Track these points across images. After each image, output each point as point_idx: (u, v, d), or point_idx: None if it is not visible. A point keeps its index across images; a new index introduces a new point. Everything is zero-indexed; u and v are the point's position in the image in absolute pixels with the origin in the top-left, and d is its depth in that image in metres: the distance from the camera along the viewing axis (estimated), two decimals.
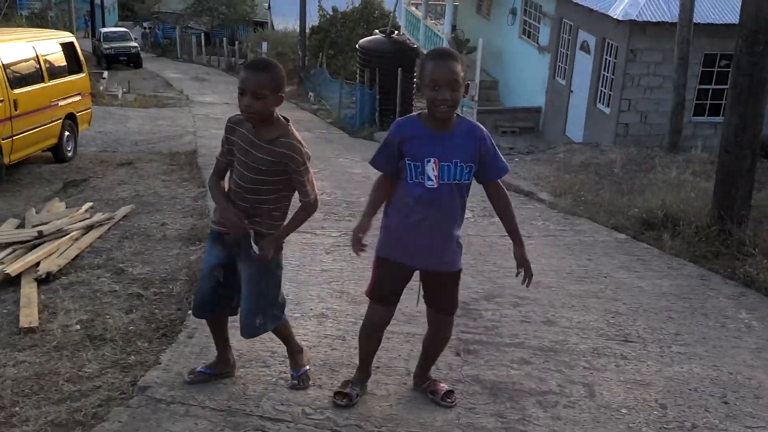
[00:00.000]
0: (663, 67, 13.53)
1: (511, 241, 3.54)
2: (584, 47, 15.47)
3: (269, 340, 3.95)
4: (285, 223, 3.51)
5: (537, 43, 17.99)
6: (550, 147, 13.87)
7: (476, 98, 14.20)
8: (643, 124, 14.02)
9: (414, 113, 3.39)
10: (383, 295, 3.48)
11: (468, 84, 3.24)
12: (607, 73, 14.51)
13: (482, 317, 4.80)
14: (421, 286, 3.52)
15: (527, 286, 3.49)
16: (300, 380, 3.70)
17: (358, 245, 3.30)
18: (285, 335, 3.74)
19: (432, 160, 3.21)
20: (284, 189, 3.45)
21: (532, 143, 15.45)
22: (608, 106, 14.43)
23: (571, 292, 5.39)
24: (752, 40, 6.54)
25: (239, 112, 3.39)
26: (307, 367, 3.78)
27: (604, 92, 14.67)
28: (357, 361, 3.70)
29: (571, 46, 16.04)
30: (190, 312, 4.56)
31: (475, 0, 23.14)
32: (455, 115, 3.27)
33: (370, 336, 3.60)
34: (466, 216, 7.65)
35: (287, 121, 3.42)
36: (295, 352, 3.76)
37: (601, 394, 3.80)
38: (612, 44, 14.27)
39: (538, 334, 4.54)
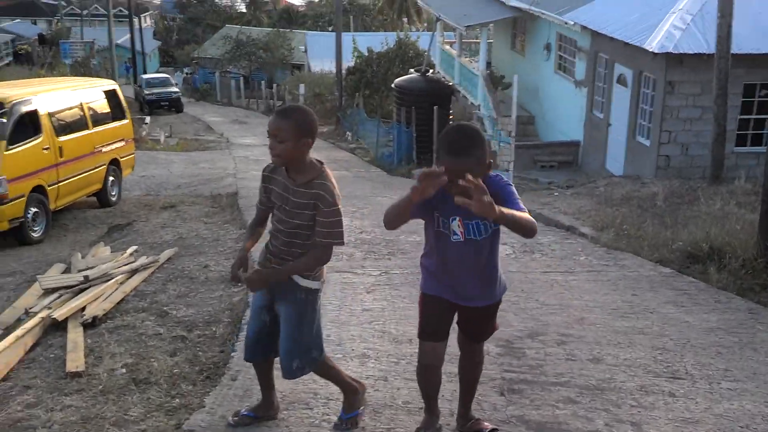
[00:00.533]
0: (702, 98, 13.39)
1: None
2: (621, 80, 15.41)
3: (312, 382, 3.95)
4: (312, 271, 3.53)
5: (573, 77, 17.97)
6: (590, 181, 13.77)
7: (514, 134, 14.18)
8: (684, 155, 13.86)
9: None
10: (431, 330, 3.47)
11: (491, 162, 3.24)
12: (646, 105, 14.42)
13: (526, 356, 4.74)
14: (457, 314, 3.54)
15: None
16: (346, 423, 3.68)
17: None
18: (330, 376, 3.73)
19: (457, 218, 3.28)
20: None
21: (571, 177, 15.35)
22: (648, 138, 14.31)
23: (616, 329, 5.31)
24: None
25: None
26: (360, 410, 3.75)
27: (643, 125, 14.56)
28: (400, 402, 3.68)
29: (608, 80, 16.00)
30: (233, 354, 4.60)
31: (509, 37, 23.26)
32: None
33: (427, 377, 3.56)
34: (507, 253, 7.66)
35: (321, 163, 3.48)
36: (347, 392, 3.74)
37: None
38: (649, 77, 14.20)
39: (584, 372, 4.47)
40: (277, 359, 3.64)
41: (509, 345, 4.90)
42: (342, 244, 3.47)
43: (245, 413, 3.72)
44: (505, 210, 3.05)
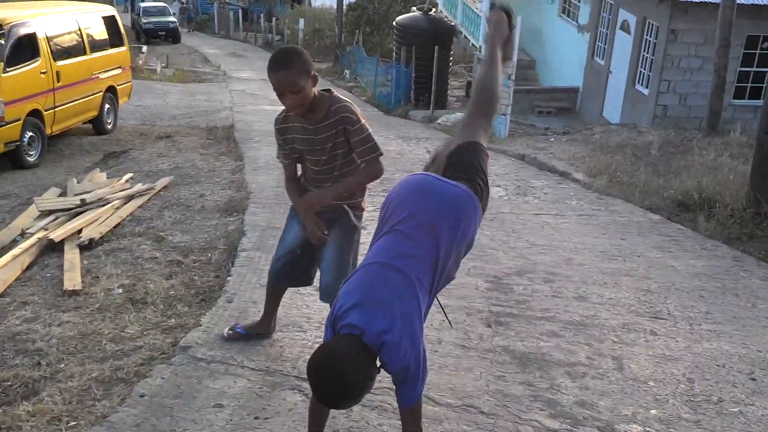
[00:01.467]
0: (704, 49, 13.33)
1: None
2: (624, 27, 15.30)
3: (305, 307, 4.06)
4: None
5: (577, 22, 17.81)
6: (586, 128, 13.78)
7: (513, 77, 14.12)
8: (682, 106, 13.86)
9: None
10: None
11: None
12: (647, 53, 14.34)
13: (513, 291, 4.86)
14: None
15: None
16: (234, 333, 3.86)
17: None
18: (279, 303, 3.90)
19: None
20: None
21: (569, 124, 15.35)
22: (647, 87, 14.28)
23: (603, 270, 5.43)
24: None
25: (281, 109, 3.47)
26: (244, 333, 3.89)
27: (644, 73, 14.51)
28: None
29: (611, 26, 15.87)
30: (229, 278, 4.70)
31: None
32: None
33: None
34: (500, 194, 7.74)
35: (329, 91, 3.43)
36: (263, 321, 3.90)
37: (629, 367, 3.85)
38: (653, 24, 14.09)
39: (569, 309, 4.60)
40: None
41: (498, 281, 5.01)
42: (381, 154, 3.40)
43: (239, 330, 3.86)
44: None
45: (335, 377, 2.28)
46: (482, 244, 5.91)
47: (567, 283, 5.08)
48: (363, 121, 3.36)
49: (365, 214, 3.62)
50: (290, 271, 3.67)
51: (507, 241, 6.01)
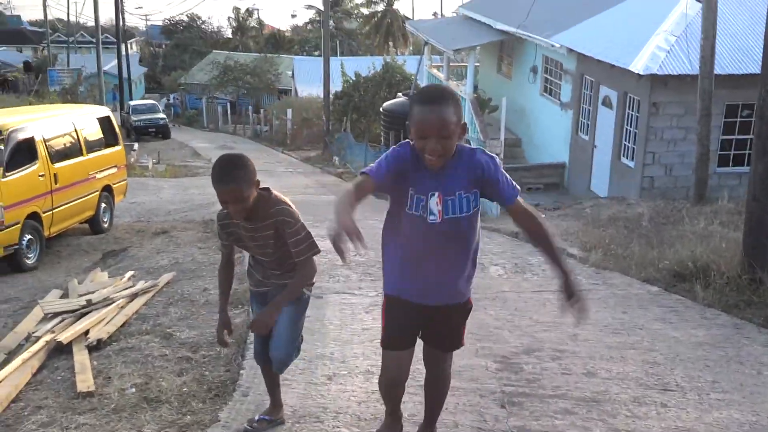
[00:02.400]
0: (686, 119, 13.71)
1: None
2: (606, 102, 15.72)
3: (320, 397, 4.10)
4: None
5: (559, 99, 18.29)
6: (576, 202, 14.01)
7: (501, 156, 14.43)
8: (668, 176, 14.16)
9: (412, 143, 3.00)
10: (396, 337, 3.19)
11: (465, 124, 2.94)
12: (630, 127, 14.71)
13: (523, 370, 4.91)
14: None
15: (580, 321, 3.19)
16: (259, 423, 3.91)
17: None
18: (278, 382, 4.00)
19: (436, 193, 2.98)
20: None
21: (558, 199, 15.60)
22: (633, 159, 14.59)
23: (609, 344, 5.50)
24: None
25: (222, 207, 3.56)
26: (270, 418, 3.95)
27: (628, 146, 14.84)
28: (406, 414, 3.80)
29: (593, 102, 16.31)
30: (242, 372, 4.74)
31: (496, 60, 23.62)
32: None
33: (389, 391, 3.36)
34: (499, 273, 7.84)
35: (267, 190, 3.57)
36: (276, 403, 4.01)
37: None
38: (634, 98, 14.51)
39: (580, 386, 4.65)
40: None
41: (506, 360, 5.07)
42: (318, 252, 3.58)
43: (261, 417, 3.94)
44: (560, 258, 3.11)
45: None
46: (487, 323, 5.99)
47: (575, 359, 5.14)
48: (300, 222, 3.53)
49: None
50: (264, 350, 3.84)
51: (511, 320, 6.09)
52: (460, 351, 5.25)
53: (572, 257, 9.04)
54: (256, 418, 3.94)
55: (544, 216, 3.17)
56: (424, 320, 3.22)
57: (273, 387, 4.00)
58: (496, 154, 10.79)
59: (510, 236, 10.74)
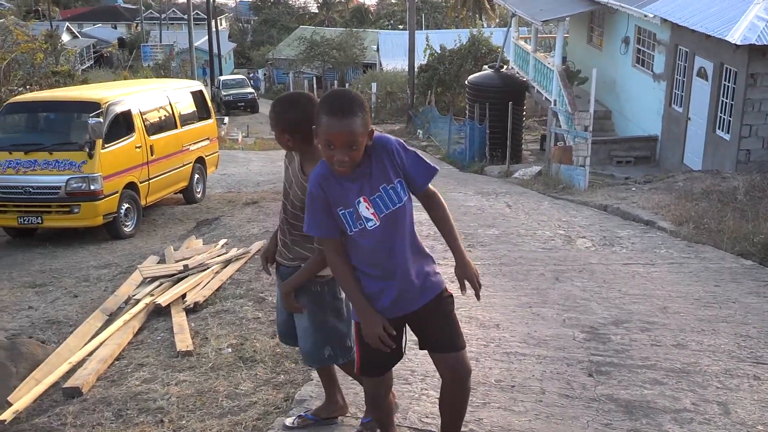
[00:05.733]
0: None
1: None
2: (701, 73, 15.20)
3: (408, 360, 4.19)
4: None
5: (651, 71, 17.77)
6: (668, 176, 13.65)
7: (590, 129, 14.15)
8: (765, 149, 13.61)
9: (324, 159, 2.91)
10: (375, 365, 3.03)
11: (372, 130, 2.84)
12: (726, 99, 14.19)
13: (611, 341, 4.88)
14: (411, 332, 3.08)
15: (478, 298, 3.07)
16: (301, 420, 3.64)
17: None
18: (334, 378, 3.67)
19: (361, 198, 2.87)
20: None
21: (649, 172, 15.21)
22: (728, 132, 14.09)
23: (700, 317, 5.40)
24: None
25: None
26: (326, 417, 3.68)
27: (724, 119, 14.34)
28: (492, 380, 3.86)
29: (688, 73, 15.79)
30: None
31: (586, 31, 23.08)
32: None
33: (377, 405, 3.19)
34: (586, 245, 7.77)
35: None
36: (330, 401, 3.69)
37: (736, 412, 3.84)
38: (731, 69, 13.97)
39: (670, 357, 4.59)
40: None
41: (594, 331, 5.05)
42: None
43: (308, 416, 3.71)
44: (459, 245, 2.97)
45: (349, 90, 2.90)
46: (574, 295, 5.96)
47: (664, 331, 5.08)
48: None
49: None
50: (289, 331, 3.54)
51: (599, 292, 6.04)
52: (546, 320, 5.29)
53: (663, 231, 8.87)
54: (303, 414, 3.73)
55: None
56: (401, 335, 3.03)
57: (328, 382, 3.68)
58: (585, 127, 10.59)
59: (598, 209, 10.58)
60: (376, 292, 2.92)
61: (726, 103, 14.23)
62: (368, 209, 2.86)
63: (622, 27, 19.54)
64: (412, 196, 2.96)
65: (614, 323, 5.25)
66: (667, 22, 16.00)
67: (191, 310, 6.06)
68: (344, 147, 2.74)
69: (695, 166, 14.89)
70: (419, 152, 2.98)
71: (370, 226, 2.87)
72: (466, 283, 2.99)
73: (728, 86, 14.11)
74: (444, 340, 2.96)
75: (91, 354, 5.32)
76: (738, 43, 12.84)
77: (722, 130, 14.39)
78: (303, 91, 3.48)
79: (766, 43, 12.83)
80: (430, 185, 2.98)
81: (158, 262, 8.32)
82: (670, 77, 16.62)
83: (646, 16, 16.56)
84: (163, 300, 6.27)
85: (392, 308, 2.93)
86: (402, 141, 2.96)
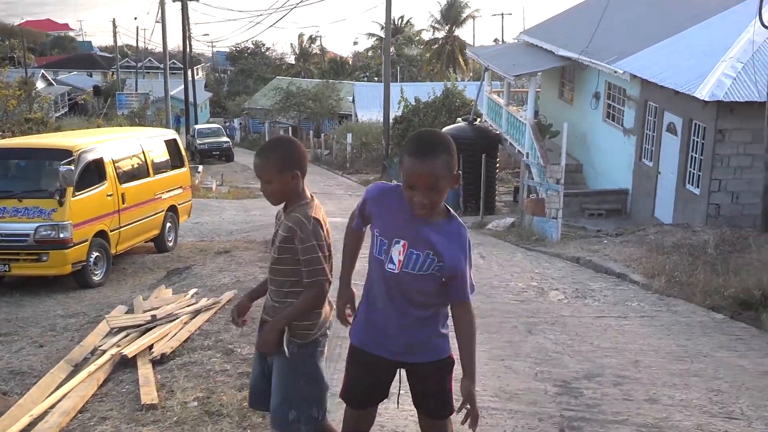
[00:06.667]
0: (753, 147, 13.38)
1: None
2: (671, 129, 15.47)
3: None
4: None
5: (622, 125, 18.07)
6: (639, 228, 13.78)
7: (562, 181, 14.30)
8: (734, 204, 13.82)
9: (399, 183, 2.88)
10: (355, 394, 2.99)
11: (460, 174, 2.81)
12: (696, 153, 14.44)
13: (583, 395, 4.85)
14: (407, 383, 3.02)
15: (472, 430, 2.82)
16: None
17: (345, 319, 3.11)
18: None
19: (401, 242, 2.81)
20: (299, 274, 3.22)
21: (620, 225, 15.36)
22: (698, 186, 14.30)
23: (671, 371, 5.39)
24: None
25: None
26: None
27: (693, 173, 14.56)
28: None
29: (657, 128, 16.06)
30: None
31: (557, 85, 23.49)
32: (447, 210, 2.87)
33: None
34: (559, 298, 7.76)
35: (312, 197, 3.30)
36: None
37: None
38: (699, 125, 14.25)
39: (641, 412, 4.57)
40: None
41: (566, 385, 5.01)
42: (327, 281, 3.17)
43: None
44: (472, 366, 2.79)
45: (439, 132, 2.95)
46: (547, 348, 5.94)
47: (636, 385, 5.06)
48: (313, 243, 3.14)
49: None
50: (261, 390, 3.41)
51: (571, 345, 6.02)
52: (518, 374, 5.25)
53: (635, 284, 8.91)
54: None
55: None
56: (391, 377, 2.98)
57: None
58: (557, 180, 10.70)
59: (570, 261, 10.63)
60: (371, 321, 2.94)
61: (695, 157, 14.48)
62: (400, 254, 2.80)
63: (592, 82, 19.92)
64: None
65: (586, 377, 5.22)
66: (636, 78, 16.34)
67: (158, 362, 5.93)
68: (425, 189, 2.66)
69: (666, 219, 15.06)
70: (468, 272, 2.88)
71: (390, 269, 2.82)
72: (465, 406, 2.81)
73: (697, 141, 14.37)
74: (433, 406, 2.93)
75: (53, 406, 5.17)
76: (706, 99, 13.12)
77: (692, 185, 14.61)
78: (286, 136, 3.54)
79: (733, 99, 13.13)
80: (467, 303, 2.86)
81: (127, 312, 8.17)
82: (640, 132, 16.91)
83: (616, 72, 16.90)
84: (129, 351, 6.13)
85: (372, 343, 2.92)
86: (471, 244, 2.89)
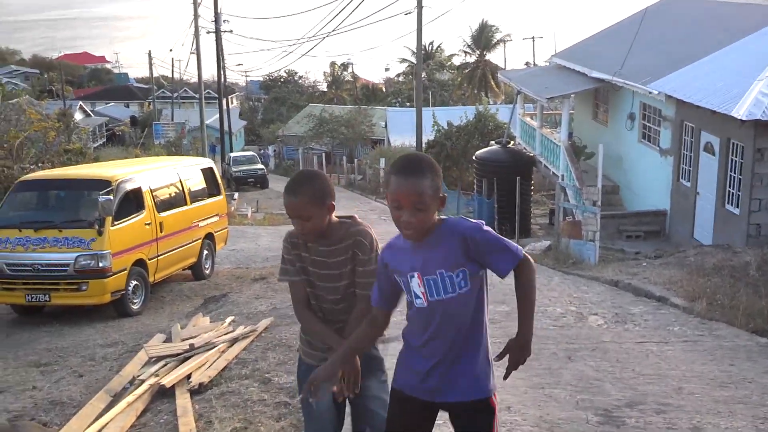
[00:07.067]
0: None
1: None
2: (708, 148, 15.27)
3: None
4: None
5: (658, 146, 17.88)
6: (679, 250, 13.58)
7: (599, 203, 14.16)
8: None
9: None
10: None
11: (444, 196, 2.77)
12: (735, 173, 14.22)
13: (626, 424, 4.75)
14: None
15: (504, 378, 2.86)
16: None
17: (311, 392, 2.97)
18: None
19: (415, 274, 2.79)
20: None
21: (659, 247, 15.15)
22: (737, 207, 14.07)
23: (716, 398, 5.27)
24: None
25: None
26: None
27: (733, 193, 14.34)
28: None
29: (694, 148, 15.87)
30: None
31: (591, 107, 23.36)
32: (438, 219, 2.82)
33: None
34: (599, 323, 7.66)
35: (352, 218, 3.31)
36: None
37: None
38: (737, 144, 14.05)
39: None
40: None
41: (608, 414, 4.92)
42: None
43: None
44: (530, 321, 2.78)
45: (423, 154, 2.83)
46: (587, 375, 5.84)
47: (680, 413, 4.95)
48: (375, 254, 3.18)
49: None
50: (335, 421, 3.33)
51: (613, 372, 5.92)
52: (559, 402, 5.17)
53: (676, 307, 8.76)
54: None
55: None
56: (431, 420, 2.91)
57: None
58: (594, 202, 10.54)
59: (609, 284, 10.49)
60: (409, 363, 2.87)
61: (734, 177, 14.26)
62: (419, 287, 2.78)
63: (627, 103, 19.77)
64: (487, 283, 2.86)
65: (628, 405, 5.12)
66: (671, 99, 16.18)
67: (196, 391, 5.95)
68: (411, 207, 2.67)
69: (705, 240, 14.82)
70: (498, 236, 2.81)
71: (418, 304, 2.80)
72: (508, 356, 2.83)
73: (735, 161, 14.16)
74: None
75: None
76: (743, 118, 12.94)
77: (731, 205, 14.38)
78: (311, 169, 3.47)
79: None
80: (523, 263, 2.81)
81: (165, 341, 8.23)
82: (677, 152, 16.72)
83: (650, 92, 16.77)
84: (167, 381, 6.17)
85: (417, 389, 2.84)
86: (482, 223, 2.82)
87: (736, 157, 14.16)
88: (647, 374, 5.87)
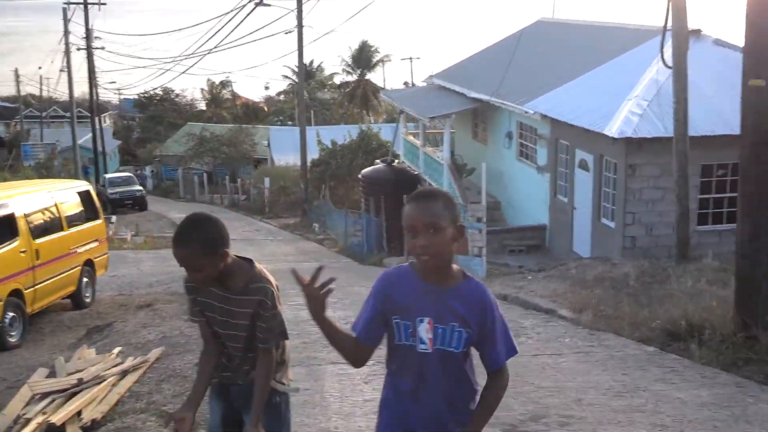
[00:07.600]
0: (662, 180, 13.93)
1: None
2: (582, 165, 15.96)
3: None
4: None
5: (535, 163, 18.54)
6: (560, 263, 14.05)
7: (484, 219, 14.51)
8: (649, 236, 14.30)
9: (406, 263, 2.81)
10: None
11: (462, 226, 2.71)
12: (609, 188, 14.92)
13: None
14: None
15: None
16: None
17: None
18: None
19: (426, 320, 2.67)
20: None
21: (541, 261, 15.66)
22: (613, 220, 14.75)
23: (614, 408, 5.45)
24: (757, 151, 6.83)
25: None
26: None
27: (608, 207, 15.03)
28: None
29: (570, 165, 16.55)
30: None
31: (471, 126, 23.99)
32: (462, 272, 2.76)
33: None
34: None
35: (250, 262, 3.20)
36: None
37: None
38: (610, 161, 14.74)
39: None
40: None
41: (514, 429, 5.00)
42: (287, 338, 3.24)
43: None
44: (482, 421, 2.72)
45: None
46: None
47: (583, 424, 5.09)
48: (278, 307, 3.15)
49: None
50: None
51: (513, 386, 5.97)
52: None
53: (564, 319, 9.04)
54: None
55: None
56: None
57: None
58: (479, 219, 10.75)
59: (498, 298, 10.64)
60: (395, 409, 2.79)
61: (608, 192, 14.95)
62: (428, 333, 2.67)
63: (504, 123, 20.43)
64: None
65: (532, 419, 5.23)
66: (547, 118, 16.85)
67: (89, 428, 5.65)
68: (426, 231, 2.58)
69: (584, 253, 15.44)
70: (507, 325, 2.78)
71: (421, 349, 2.68)
72: None
73: (609, 177, 14.86)
74: None
75: None
76: (615, 136, 13.62)
77: (607, 219, 15.06)
78: (201, 213, 3.26)
79: (641, 135, 13.67)
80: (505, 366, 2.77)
81: (49, 375, 7.78)
82: (554, 169, 17.38)
83: (526, 112, 17.40)
84: (57, 418, 5.82)
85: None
86: (497, 303, 2.76)
87: (609, 173, 14.86)
88: (546, 387, 6.01)
